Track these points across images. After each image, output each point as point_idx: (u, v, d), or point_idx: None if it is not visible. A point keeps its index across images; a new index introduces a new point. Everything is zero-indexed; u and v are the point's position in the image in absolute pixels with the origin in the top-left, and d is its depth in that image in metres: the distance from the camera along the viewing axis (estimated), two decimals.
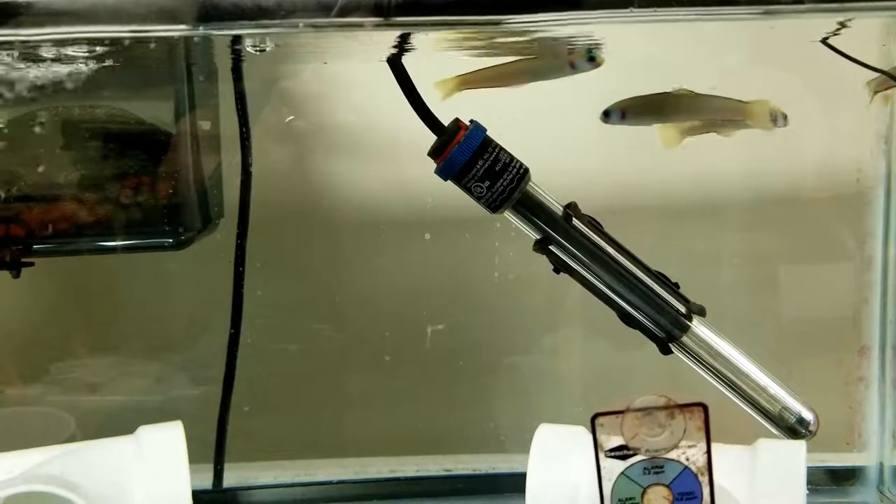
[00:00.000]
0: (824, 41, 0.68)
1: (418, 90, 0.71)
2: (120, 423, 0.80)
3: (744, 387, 0.76)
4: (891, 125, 0.94)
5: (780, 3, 0.56)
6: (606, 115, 0.82)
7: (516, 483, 0.74)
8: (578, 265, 0.75)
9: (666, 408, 0.52)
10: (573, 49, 0.76)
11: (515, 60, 0.80)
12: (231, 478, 0.98)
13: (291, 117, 0.96)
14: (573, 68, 0.77)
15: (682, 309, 0.76)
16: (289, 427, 1.02)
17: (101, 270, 0.97)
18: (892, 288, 0.96)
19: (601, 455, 0.55)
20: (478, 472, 1.00)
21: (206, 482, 0.97)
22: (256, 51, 0.74)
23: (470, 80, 0.83)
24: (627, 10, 0.51)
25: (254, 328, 0.95)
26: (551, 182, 0.74)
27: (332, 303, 1.01)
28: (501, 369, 1.00)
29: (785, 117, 0.71)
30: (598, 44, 0.75)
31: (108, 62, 0.75)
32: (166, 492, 0.71)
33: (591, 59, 0.76)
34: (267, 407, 1.00)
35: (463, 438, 1.00)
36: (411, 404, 1.01)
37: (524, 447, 0.76)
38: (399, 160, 0.96)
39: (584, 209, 0.74)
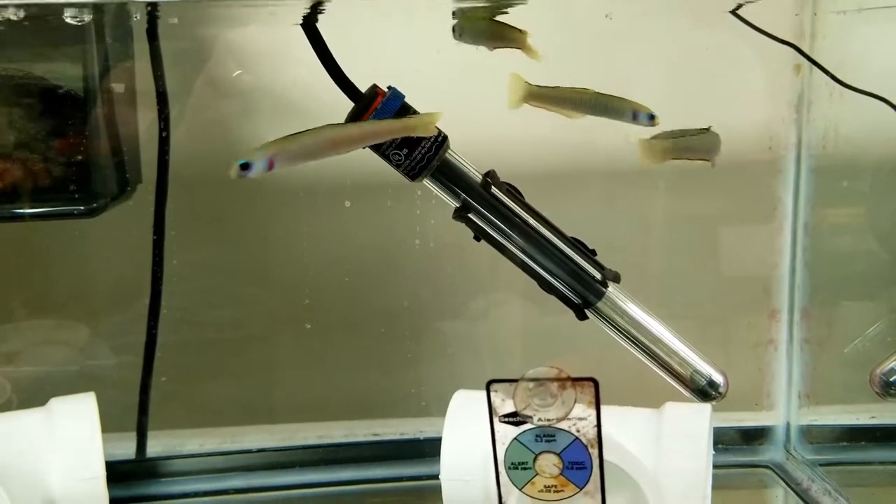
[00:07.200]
0: (734, 12, 0.69)
1: (333, 55, 0.70)
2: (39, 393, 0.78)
3: (657, 350, 0.78)
4: (802, 95, 0.97)
5: None
6: None
7: (439, 447, 0.76)
8: (497, 233, 0.75)
9: (557, 380, 0.53)
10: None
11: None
12: (157, 445, 0.97)
13: (239, 71, 0.93)
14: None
15: (598, 276, 0.77)
16: (214, 393, 1.01)
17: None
18: (800, 253, 0.99)
19: (495, 419, 0.56)
20: (404, 436, 1.01)
21: (130, 451, 0.96)
22: (77, 21, 0.71)
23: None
24: None
25: (174, 293, 0.93)
26: (497, 146, 0.73)
27: (256, 269, 1.00)
28: (424, 335, 1.00)
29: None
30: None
31: (12, 19, 0.71)
32: (80, 463, 0.70)
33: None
34: (190, 373, 0.98)
35: (389, 404, 1.01)
36: (335, 371, 1.01)
37: (445, 411, 0.77)
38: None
39: (526, 173, 0.73)
